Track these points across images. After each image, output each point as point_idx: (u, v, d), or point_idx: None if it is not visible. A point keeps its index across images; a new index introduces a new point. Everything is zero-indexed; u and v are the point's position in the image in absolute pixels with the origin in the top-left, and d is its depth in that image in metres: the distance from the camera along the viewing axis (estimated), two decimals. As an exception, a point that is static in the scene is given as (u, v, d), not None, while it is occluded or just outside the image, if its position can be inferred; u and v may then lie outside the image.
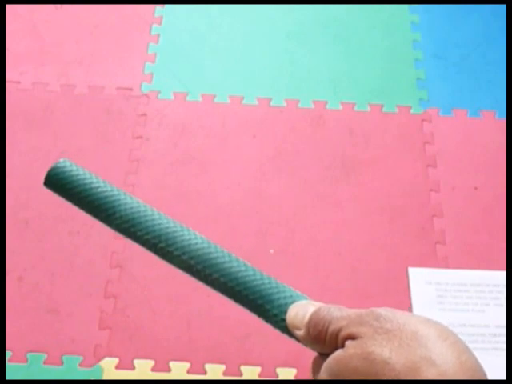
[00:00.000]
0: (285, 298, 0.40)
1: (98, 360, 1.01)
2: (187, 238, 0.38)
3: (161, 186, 1.18)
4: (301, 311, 0.40)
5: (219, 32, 1.41)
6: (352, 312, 0.37)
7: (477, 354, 0.33)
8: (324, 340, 0.37)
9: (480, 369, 0.33)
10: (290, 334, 0.41)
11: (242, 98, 1.30)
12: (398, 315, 0.35)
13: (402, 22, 1.44)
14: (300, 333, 0.39)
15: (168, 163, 1.21)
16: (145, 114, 1.27)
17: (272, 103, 1.30)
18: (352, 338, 0.35)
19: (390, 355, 0.32)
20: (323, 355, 0.38)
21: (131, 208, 0.39)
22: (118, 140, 1.24)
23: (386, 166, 1.22)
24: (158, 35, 1.39)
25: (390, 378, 0.31)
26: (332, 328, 0.37)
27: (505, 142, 1.24)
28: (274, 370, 1.01)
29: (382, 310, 0.35)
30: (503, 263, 1.09)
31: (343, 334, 0.36)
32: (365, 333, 0.34)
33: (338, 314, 0.38)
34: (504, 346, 0.98)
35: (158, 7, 1.43)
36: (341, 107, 1.30)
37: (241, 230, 1.14)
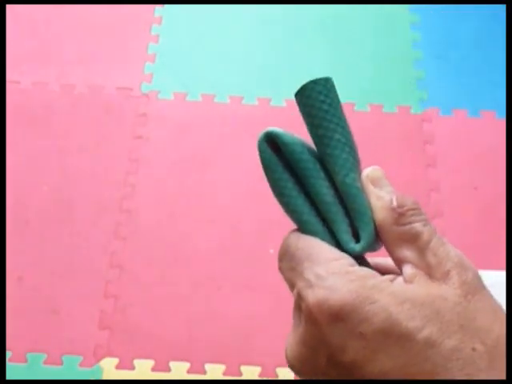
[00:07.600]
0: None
1: (98, 360, 1.01)
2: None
3: (161, 186, 1.18)
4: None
5: (219, 32, 1.41)
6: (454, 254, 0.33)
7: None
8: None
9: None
10: None
11: (242, 98, 1.30)
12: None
13: (402, 22, 1.44)
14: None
15: (168, 163, 1.21)
16: (145, 114, 1.27)
17: (272, 103, 1.30)
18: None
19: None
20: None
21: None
22: (117, 140, 1.24)
23: (386, 165, 1.22)
24: (158, 35, 1.39)
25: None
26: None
27: (505, 142, 1.24)
28: (274, 370, 1.01)
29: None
30: (503, 263, 1.09)
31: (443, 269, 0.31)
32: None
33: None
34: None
35: (158, 7, 1.43)
36: (341, 107, 1.30)
37: (241, 230, 1.14)
